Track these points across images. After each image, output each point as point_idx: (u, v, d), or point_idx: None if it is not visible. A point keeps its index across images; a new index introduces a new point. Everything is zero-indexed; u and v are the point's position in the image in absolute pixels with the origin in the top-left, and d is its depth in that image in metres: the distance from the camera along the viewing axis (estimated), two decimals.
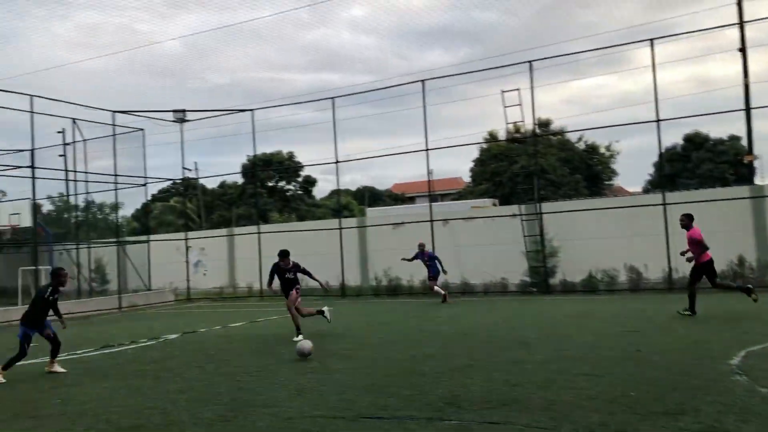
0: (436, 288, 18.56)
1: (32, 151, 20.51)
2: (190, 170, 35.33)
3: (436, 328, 12.70)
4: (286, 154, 51.24)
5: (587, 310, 14.90)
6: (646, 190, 38.59)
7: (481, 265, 21.85)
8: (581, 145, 43.81)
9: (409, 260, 19.08)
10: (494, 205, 33.03)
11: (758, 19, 19.29)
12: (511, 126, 22.36)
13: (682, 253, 12.49)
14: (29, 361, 9.88)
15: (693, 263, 12.29)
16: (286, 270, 12.13)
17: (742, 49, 19.86)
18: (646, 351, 8.81)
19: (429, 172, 24.34)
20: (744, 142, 23.82)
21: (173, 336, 13.62)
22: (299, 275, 12.22)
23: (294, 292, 12.06)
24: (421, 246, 19.03)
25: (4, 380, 8.92)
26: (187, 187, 48.91)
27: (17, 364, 9.28)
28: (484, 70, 20.59)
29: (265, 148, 42.22)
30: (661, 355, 8.53)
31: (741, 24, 19.88)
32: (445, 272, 18.70)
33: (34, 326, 9.40)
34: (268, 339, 12.38)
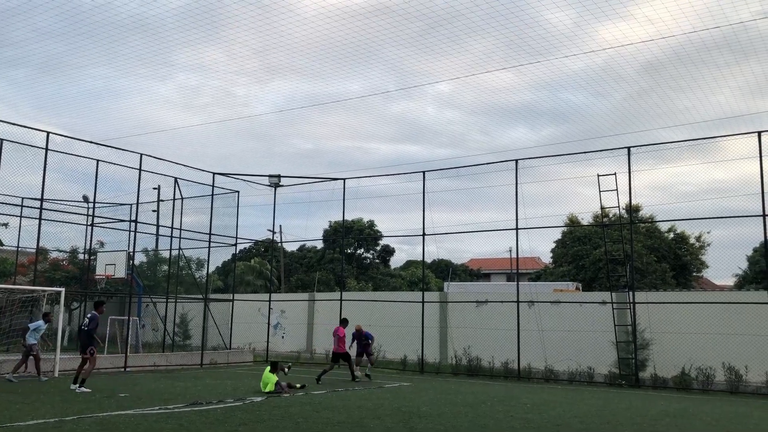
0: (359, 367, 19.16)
1: (137, 205, 21.56)
2: (275, 233, 36.17)
3: (525, 415, 12.26)
4: (366, 222, 52.01)
5: (684, 409, 14.08)
6: (739, 286, 36.74)
7: (565, 351, 21.17)
8: (669, 234, 42.51)
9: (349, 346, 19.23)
10: (577, 288, 32.21)
11: None
12: (600, 210, 21.97)
13: None
14: (110, 413, 10.06)
15: None
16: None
17: None
18: None
19: (516, 251, 24.03)
20: None
21: (258, 399, 13.68)
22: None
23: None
24: (358, 328, 19.69)
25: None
26: (268, 248, 50.08)
27: None
28: (579, 153, 20.41)
29: (347, 215, 42.99)
30: None
31: None
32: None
33: None
34: (352, 410, 12.24)
